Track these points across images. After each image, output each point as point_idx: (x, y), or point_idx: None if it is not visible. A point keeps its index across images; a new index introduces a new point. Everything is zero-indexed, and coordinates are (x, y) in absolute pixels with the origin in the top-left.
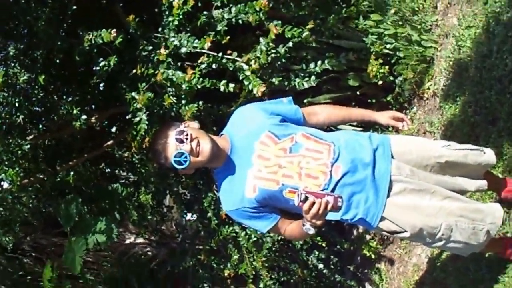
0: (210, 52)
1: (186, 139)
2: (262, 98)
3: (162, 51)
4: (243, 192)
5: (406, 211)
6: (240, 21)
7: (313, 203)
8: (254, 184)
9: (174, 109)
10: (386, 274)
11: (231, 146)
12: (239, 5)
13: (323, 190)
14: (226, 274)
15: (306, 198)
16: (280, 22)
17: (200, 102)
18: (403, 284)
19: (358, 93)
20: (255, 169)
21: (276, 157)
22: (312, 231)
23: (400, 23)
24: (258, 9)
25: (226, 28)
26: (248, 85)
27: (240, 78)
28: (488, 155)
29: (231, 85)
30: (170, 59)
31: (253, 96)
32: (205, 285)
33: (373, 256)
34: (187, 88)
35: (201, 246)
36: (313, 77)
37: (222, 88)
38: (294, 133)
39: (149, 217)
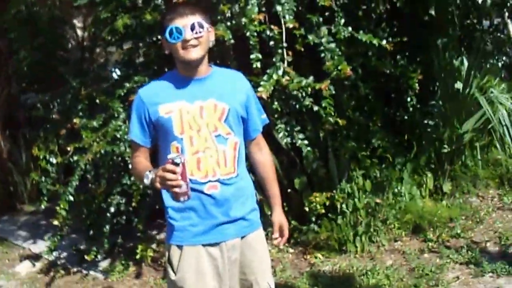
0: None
1: (196, 33)
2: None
3: None
4: (161, 104)
5: (194, 269)
6: None
7: (173, 173)
8: (172, 111)
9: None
10: (122, 278)
11: (203, 79)
12: None
13: (190, 180)
14: (74, 121)
15: (176, 165)
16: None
17: (232, 41)
18: None
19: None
20: (186, 109)
21: (206, 125)
22: (146, 182)
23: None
24: None
25: None
26: (262, 80)
27: (268, 70)
28: None
29: (258, 65)
30: None
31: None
32: (54, 115)
33: (137, 256)
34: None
35: (91, 89)
36: (288, 140)
37: (252, 56)
38: (235, 135)
39: (105, 33)
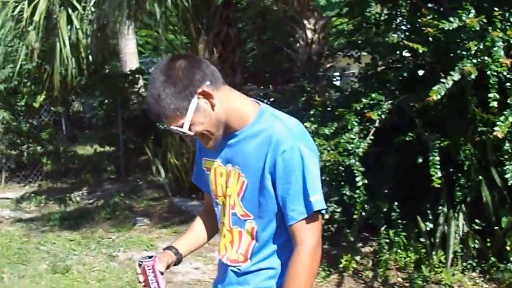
0: None
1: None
2: None
3: None
4: (204, 158)
5: None
6: None
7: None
8: (210, 169)
9: None
10: (322, 284)
11: (235, 136)
12: None
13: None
14: (305, 125)
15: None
16: None
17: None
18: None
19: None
20: (220, 171)
21: (229, 196)
22: None
23: None
24: None
25: None
26: (498, 120)
27: (505, 112)
28: None
29: (495, 104)
30: None
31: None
32: None
33: (340, 265)
34: None
35: (326, 97)
36: None
37: (489, 95)
38: (254, 218)
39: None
